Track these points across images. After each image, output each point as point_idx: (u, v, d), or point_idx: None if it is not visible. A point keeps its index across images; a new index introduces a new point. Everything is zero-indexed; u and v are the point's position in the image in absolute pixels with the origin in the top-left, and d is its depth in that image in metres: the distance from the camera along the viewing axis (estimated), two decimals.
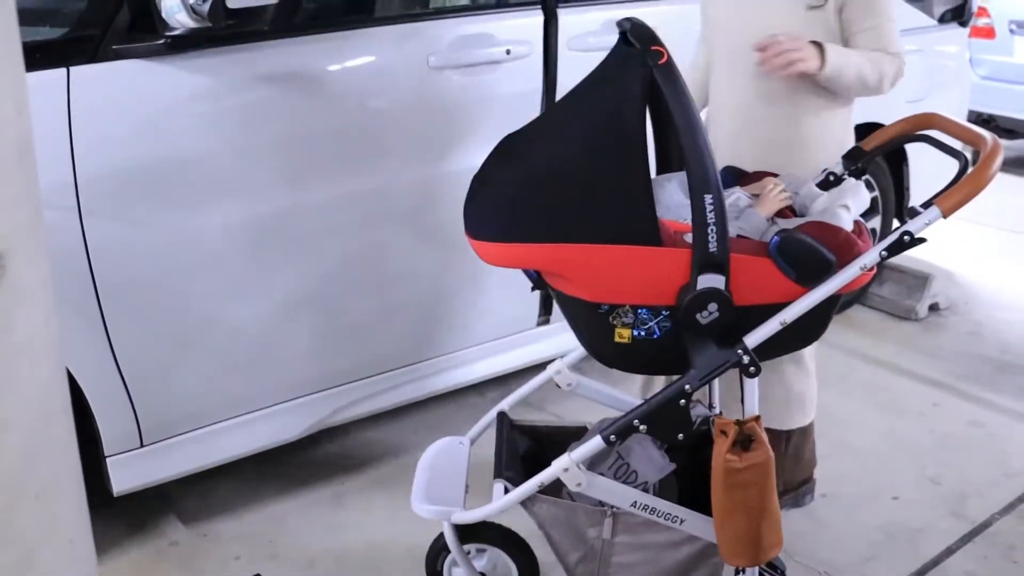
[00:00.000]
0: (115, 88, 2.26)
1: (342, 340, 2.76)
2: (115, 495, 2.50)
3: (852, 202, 2.11)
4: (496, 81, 2.83)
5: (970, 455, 3.08)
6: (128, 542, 2.66)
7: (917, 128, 2.21)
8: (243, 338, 2.58)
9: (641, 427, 1.95)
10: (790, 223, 2.03)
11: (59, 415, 0.97)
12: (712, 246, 1.78)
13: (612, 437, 1.96)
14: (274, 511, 2.80)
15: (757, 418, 1.93)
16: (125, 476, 2.50)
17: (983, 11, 6.08)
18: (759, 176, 2.21)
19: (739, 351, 1.90)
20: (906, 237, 1.88)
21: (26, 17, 2.50)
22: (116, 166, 2.27)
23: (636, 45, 1.82)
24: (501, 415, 2.38)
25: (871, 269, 1.92)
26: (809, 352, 2.58)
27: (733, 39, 2.46)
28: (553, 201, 1.83)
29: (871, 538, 2.66)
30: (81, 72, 2.20)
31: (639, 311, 1.88)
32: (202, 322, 2.49)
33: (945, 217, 1.87)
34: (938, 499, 2.84)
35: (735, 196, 2.11)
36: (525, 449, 2.35)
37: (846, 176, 2.27)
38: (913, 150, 4.06)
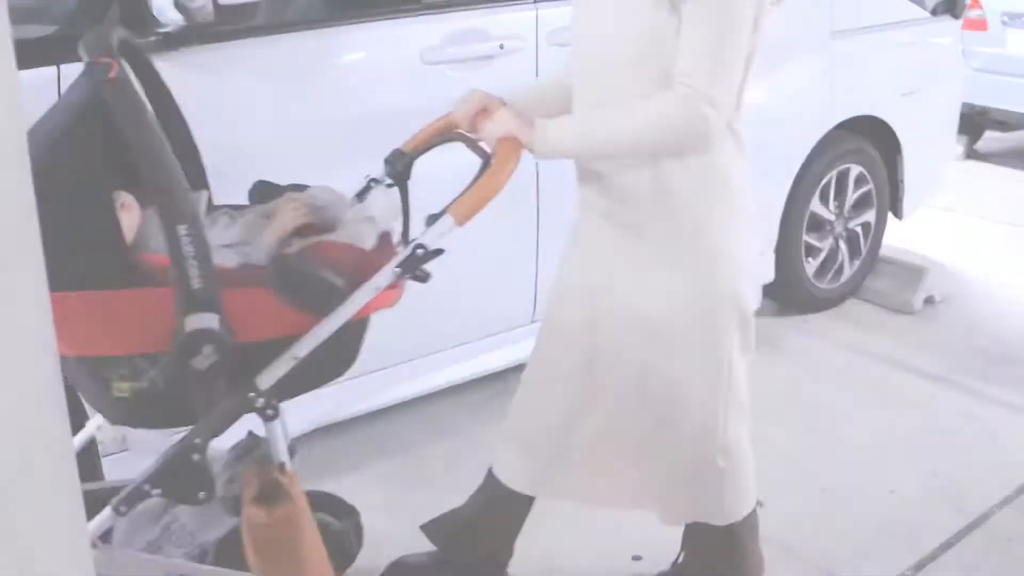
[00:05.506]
0: None
1: None
2: None
3: (379, 212, 1.94)
4: (490, 76, 2.82)
5: (967, 448, 3.09)
6: None
7: (454, 127, 1.99)
8: None
9: (154, 491, 1.74)
10: (308, 243, 1.81)
11: (56, 415, 0.96)
12: (195, 283, 1.59)
13: (123, 507, 1.75)
14: None
15: (282, 466, 1.79)
16: (122, 475, 2.48)
17: (975, 3, 6.09)
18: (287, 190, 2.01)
19: (251, 394, 1.72)
20: (419, 250, 1.73)
21: (17, 15, 2.50)
22: None
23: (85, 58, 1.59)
24: None
25: (395, 286, 1.76)
26: (734, 430, 2.04)
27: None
28: None
29: (869, 532, 2.66)
30: (72, 70, 2.19)
31: (134, 360, 1.67)
32: None
33: (460, 225, 1.72)
34: (935, 492, 2.84)
35: (245, 218, 1.93)
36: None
37: (385, 183, 2.06)
38: (909, 143, 4.05)
